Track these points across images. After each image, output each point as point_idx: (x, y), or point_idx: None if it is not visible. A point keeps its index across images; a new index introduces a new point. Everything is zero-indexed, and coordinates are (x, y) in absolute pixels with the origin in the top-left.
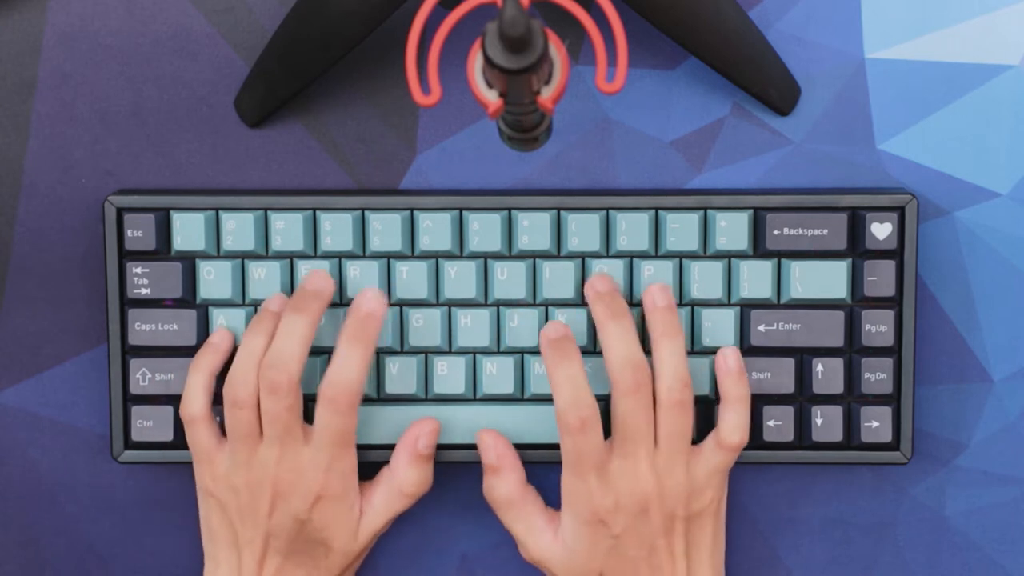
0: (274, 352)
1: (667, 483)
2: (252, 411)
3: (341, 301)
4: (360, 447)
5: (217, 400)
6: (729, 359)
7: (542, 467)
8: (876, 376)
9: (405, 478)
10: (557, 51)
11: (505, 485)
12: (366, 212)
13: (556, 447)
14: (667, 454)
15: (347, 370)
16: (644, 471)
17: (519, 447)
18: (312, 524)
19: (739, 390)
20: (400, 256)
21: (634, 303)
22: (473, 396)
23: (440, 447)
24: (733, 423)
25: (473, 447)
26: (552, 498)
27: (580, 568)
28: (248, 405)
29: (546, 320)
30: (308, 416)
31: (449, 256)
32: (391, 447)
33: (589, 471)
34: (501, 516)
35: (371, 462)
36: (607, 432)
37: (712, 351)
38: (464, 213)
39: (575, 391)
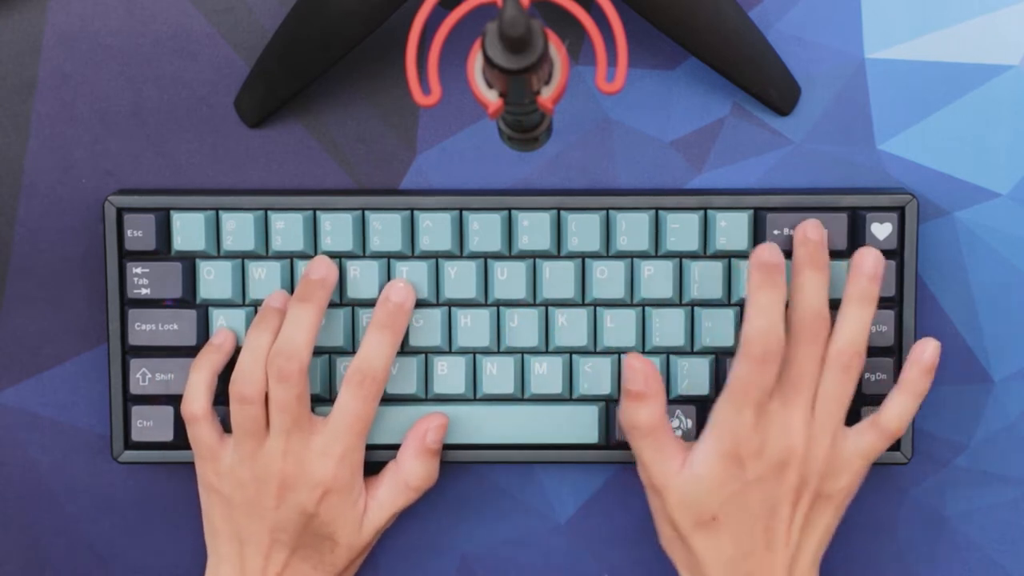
0: (283, 340)
1: (813, 446)
2: (260, 406)
3: (340, 301)
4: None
5: (218, 400)
6: (927, 351)
7: (543, 467)
8: (876, 376)
9: (411, 471)
10: (557, 51)
11: (648, 412)
12: (366, 212)
13: (556, 447)
14: (821, 416)
15: (376, 356)
16: (797, 424)
17: (520, 447)
18: (319, 518)
19: (921, 385)
20: (400, 256)
21: (634, 303)
22: (473, 396)
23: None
24: (899, 410)
25: (473, 447)
26: (564, 505)
27: (699, 502)
28: (256, 400)
29: (546, 320)
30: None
31: (449, 256)
32: (392, 447)
33: (748, 405)
34: (635, 441)
35: (371, 462)
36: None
37: (712, 351)
38: (464, 213)
39: (770, 320)
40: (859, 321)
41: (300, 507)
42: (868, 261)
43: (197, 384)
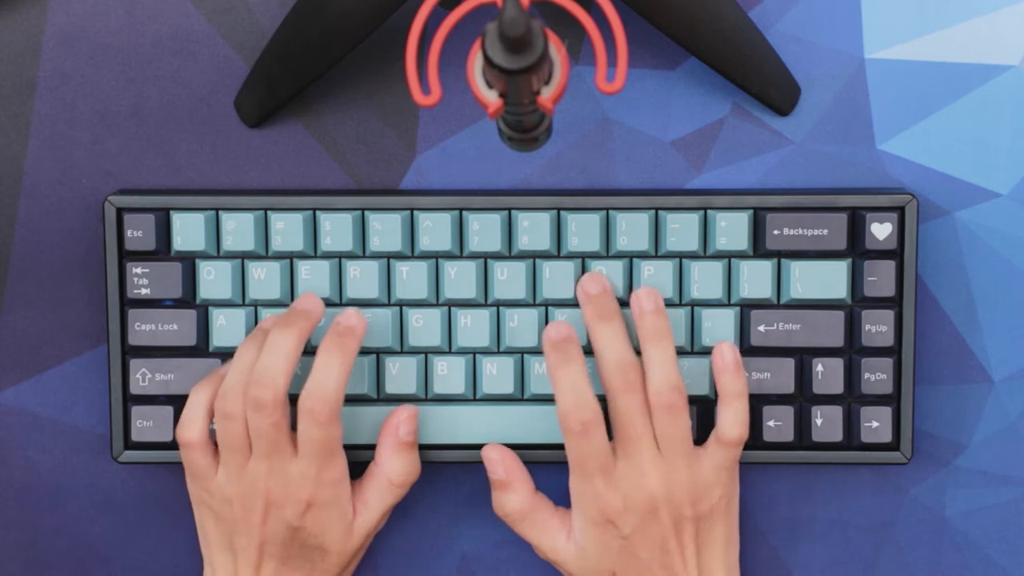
0: (259, 368)
1: (672, 484)
2: (241, 424)
3: (340, 301)
4: (360, 447)
5: None
6: (726, 355)
7: (543, 467)
8: (876, 376)
9: (392, 468)
10: (557, 51)
11: (516, 499)
12: (366, 212)
13: (556, 447)
14: (668, 455)
15: (325, 380)
16: (648, 471)
17: (519, 447)
18: (306, 531)
19: (736, 385)
20: (400, 256)
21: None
22: (473, 396)
23: (440, 447)
24: (731, 419)
25: (473, 447)
26: (556, 497)
27: (593, 568)
28: (238, 418)
29: (546, 320)
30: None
31: (449, 256)
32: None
33: (594, 473)
34: (515, 528)
35: (371, 462)
36: (610, 433)
37: (711, 351)
38: (464, 213)
39: (577, 395)
40: (662, 358)
41: (286, 523)
42: (644, 299)
43: (196, 408)
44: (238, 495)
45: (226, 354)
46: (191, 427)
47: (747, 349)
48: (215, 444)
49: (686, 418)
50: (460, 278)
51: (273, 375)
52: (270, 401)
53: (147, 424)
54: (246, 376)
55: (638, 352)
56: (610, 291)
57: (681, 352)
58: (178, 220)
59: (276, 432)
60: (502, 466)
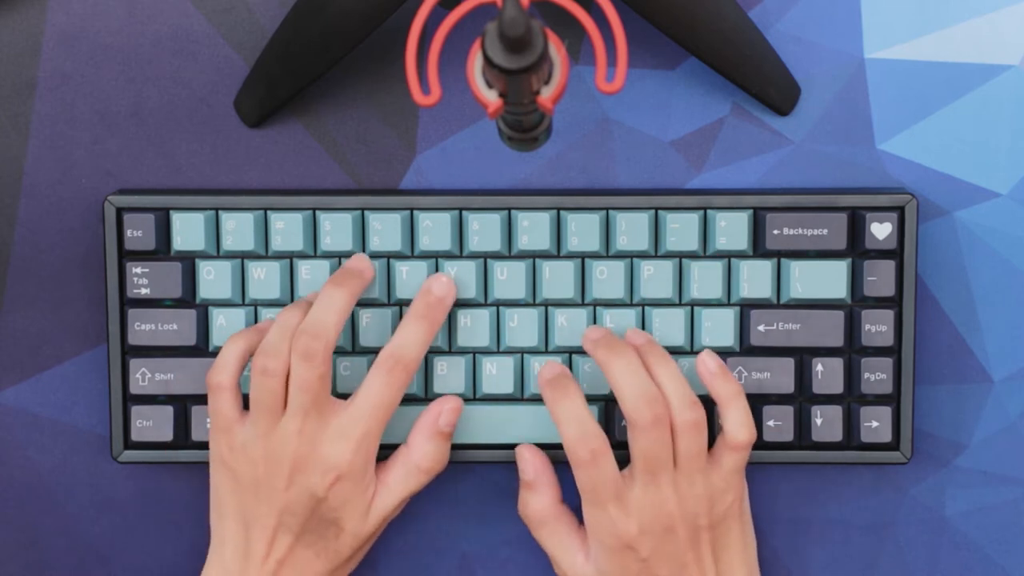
0: (311, 319)
1: (688, 500)
2: (280, 381)
3: None
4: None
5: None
6: (708, 363)
7: None
8: (876, 376)
9: (423, 453)
10: (557, 51)
11: (540, 501)
12: (366, 212)
13: (556, 447)
14: (687, 473)
15: (411, 344)
16: (668, 495)
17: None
18: (327, 503)
19: (729, 388)
20: (400, 256)
21: (634, 303)
22: (473, 396)
23: None
24: (737, 421)
25: (473, 447)
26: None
27: None
28: (278, 375)
29: (547, 320)
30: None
31: (449, 256)
32: (391, 447)
33: (607, 501)
34: (535, 532)
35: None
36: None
37: (712, 351)
38: (464, 213)
39: (580, 425)
40: (674, 376)
41: (310, 490)
42: (634, 336)
43: (229, 355)
44: (263, 455)
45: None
46: (223, 371)
47: (747, 349)
48: (245, 398)
49: (706, 432)
50: (460, 278)
51: (325, 326)
52: (321, 351)
53: (147, 424)
54: (289, 334)
55: None
56: (612, 333)
57: (681, 352)
58: (178, 220)
59: (321, 386)
60: (532, 466)
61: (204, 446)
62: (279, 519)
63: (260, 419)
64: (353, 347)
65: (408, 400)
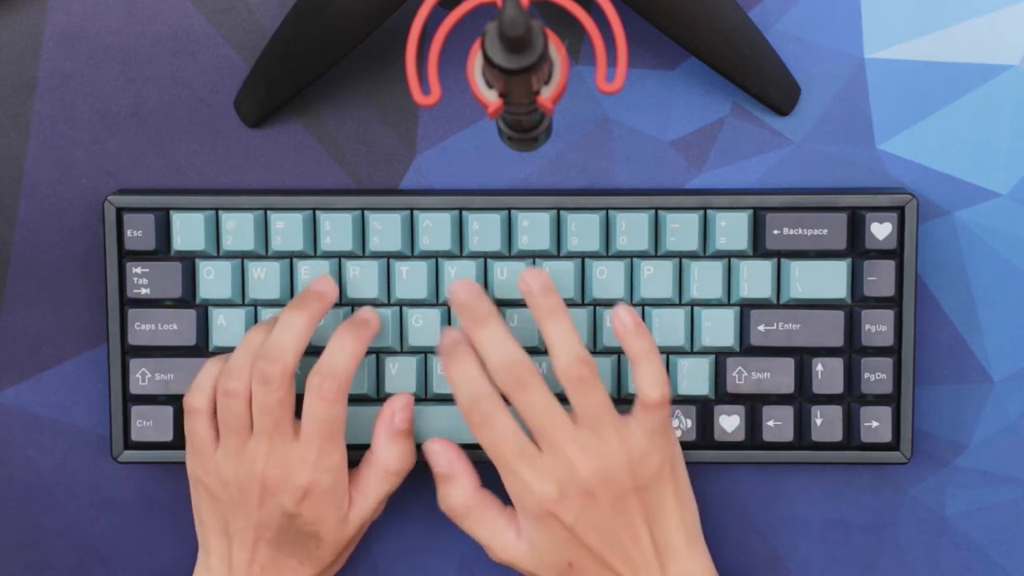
0: (269, 343)
1: (605, 460)
2: (244, 403)
3: (341, 301)
4: (360, 447)
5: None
6: (623, 317)
7: None
8: (876, 376)
9: (388, 457)
10: (557, 51)
11: (460, 492)
12: (366, 212)
13: None
14: (590, 431)
15: (337, 357)
16: (574, 453)
17: None
18: (302, 518)
19: (643, 344)
20: (400, 256)
21: (634, 303)
22: None
23: None
24: (649, 378)
25: (473, 447)
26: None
27: (548, 563)
28: (240, 396)
29: None
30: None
31: (449, 256)
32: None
33: (514, 462)
34: (460, 523)
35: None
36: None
37: (712, 351)
38: (464, 213)
39: (469, 388)
40: (561, 331)
41: (282, 508)
42: (530, 280)
43: (205, 378)
44: (234, 477)
45: (226, 354)
46: (199, 394)
47: (747, 349)
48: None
49: (601, 388)
50: (460, 278)
51: (282, 350)
52: (278, 375)
53: (147, 424)
54: (252, 355)
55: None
56: (552, 286)
57: (681, 352)
58: (178, 220)
59: (280, 409)
60: (444, 458)
61: None
62: (256, 532)
63: (229, 440)
64: None
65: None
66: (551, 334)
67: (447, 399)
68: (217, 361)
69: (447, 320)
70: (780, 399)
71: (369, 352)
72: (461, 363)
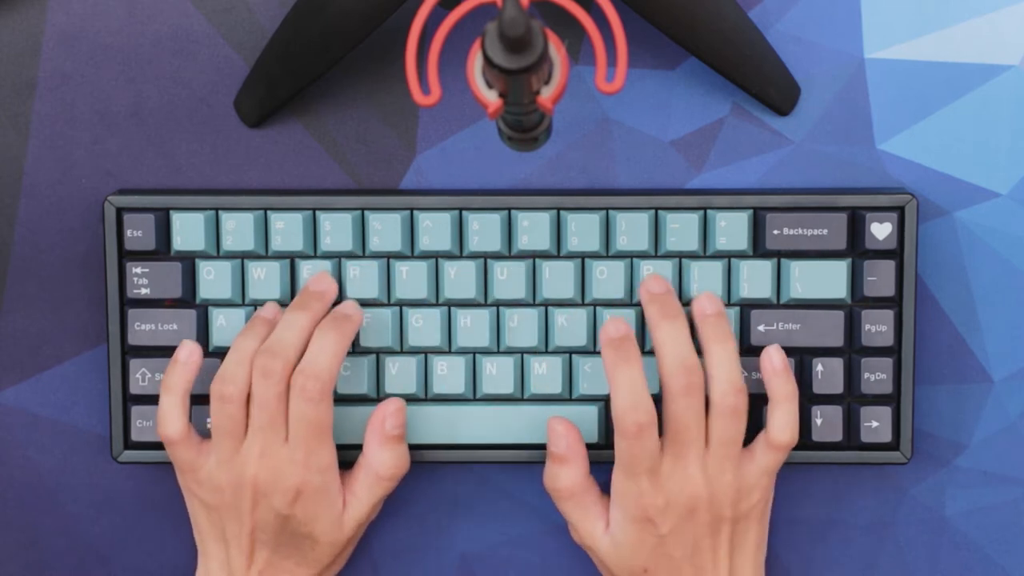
0: (272, 339)
1: (717, 486)
2: (238, 406)
3: (341, 301)
4: (360, 447)
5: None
6: (774, 358)
7: (543, 467)
8: (876, 376)
9: (379, 462)
10: (557, 51)
11: (570, 475)
12: (366, 212)
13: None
14: (718, 458)
15: (319, 357)
16: (695, 473)
17: (519, 447)
18: (296, 519)
19: (787, 388)
20: (400, 256)
21: (634, 303)
22: (473, 396)
23: (440, 447)
24: (782, 422)
25: (473, 447)
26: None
27: (626, 563)
28: (236, 400)
29: (546, 320)
30: None
31: (449, 256)
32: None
33: (641, 474)
34: (560, 504)
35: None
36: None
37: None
38: (464, 213)
39: (634, 395)
40: (728, 359)
41: (275, 510)
42: (706, 304)
43: (169, 407)
44: (228, 482)
45: (226, 354)
46: (170, 424)
47: (747, 349)
48: (198, 435)
49: (744, 421)
50: (460, 278)
51: (285, 346)
52: (279, 369)
53: (147, 424)
54: (247, 359)
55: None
56: (673, 292)
57: None
58: (178, 220)
59: (278, 404)
60: (565, 440)
61: None
62: (252, 536)
63: (222, 445)
64: (353, 348)
65: (408, 401)
66: (717, 357)
67: (447, 399)
68: (171, 388)
69: (447, 320)
70: None
71: (369, 352)
72: (631, 366)
